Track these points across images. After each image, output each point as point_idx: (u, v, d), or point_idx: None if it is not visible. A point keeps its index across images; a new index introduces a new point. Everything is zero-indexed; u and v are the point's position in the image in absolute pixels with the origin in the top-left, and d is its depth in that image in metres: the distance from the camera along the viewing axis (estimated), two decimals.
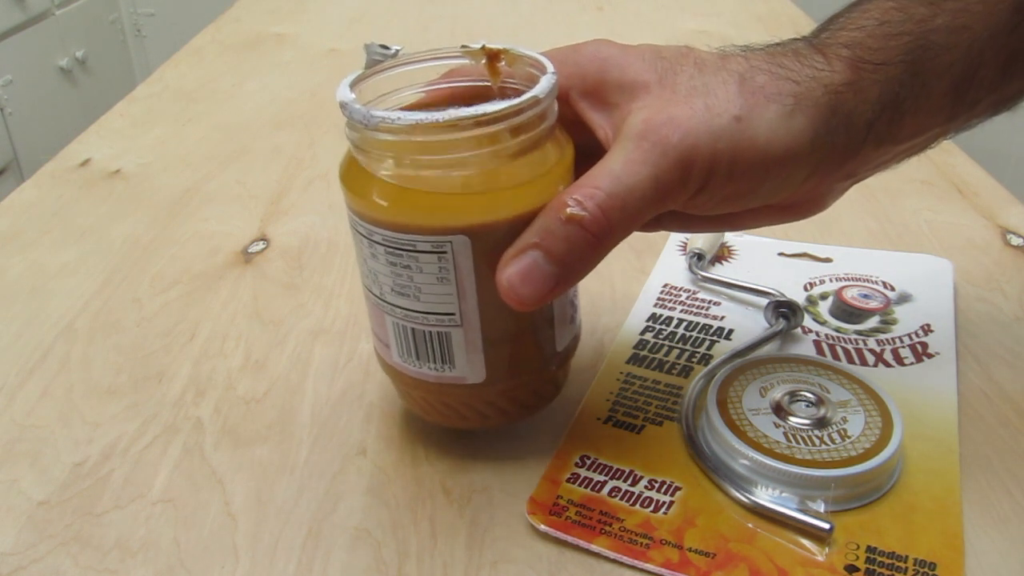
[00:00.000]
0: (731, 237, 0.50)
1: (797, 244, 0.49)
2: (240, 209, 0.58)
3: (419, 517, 0.33)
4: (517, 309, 0.30)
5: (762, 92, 0.31)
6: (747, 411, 0.35)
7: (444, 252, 0.30)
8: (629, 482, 0.34)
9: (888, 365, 0.39)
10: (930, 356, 0.40)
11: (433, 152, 0.30)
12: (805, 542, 0.31)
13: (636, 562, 0.30)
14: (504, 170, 0.31)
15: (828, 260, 0.48)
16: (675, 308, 0.44)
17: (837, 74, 0.31)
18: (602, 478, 0.34)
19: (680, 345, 0.41)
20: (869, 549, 0.30)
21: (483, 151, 0.30)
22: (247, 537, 0.33)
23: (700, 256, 0.47)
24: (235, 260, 0.52)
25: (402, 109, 0.33)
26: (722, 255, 0.48)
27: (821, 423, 0.34)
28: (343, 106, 0.31)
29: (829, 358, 0.40)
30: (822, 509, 0.31)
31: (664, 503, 0.33)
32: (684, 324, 0.43)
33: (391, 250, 0.31)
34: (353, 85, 0.32)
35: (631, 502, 0.33)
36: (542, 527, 0.32)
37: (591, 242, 0.30)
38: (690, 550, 0.31)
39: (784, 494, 0.32)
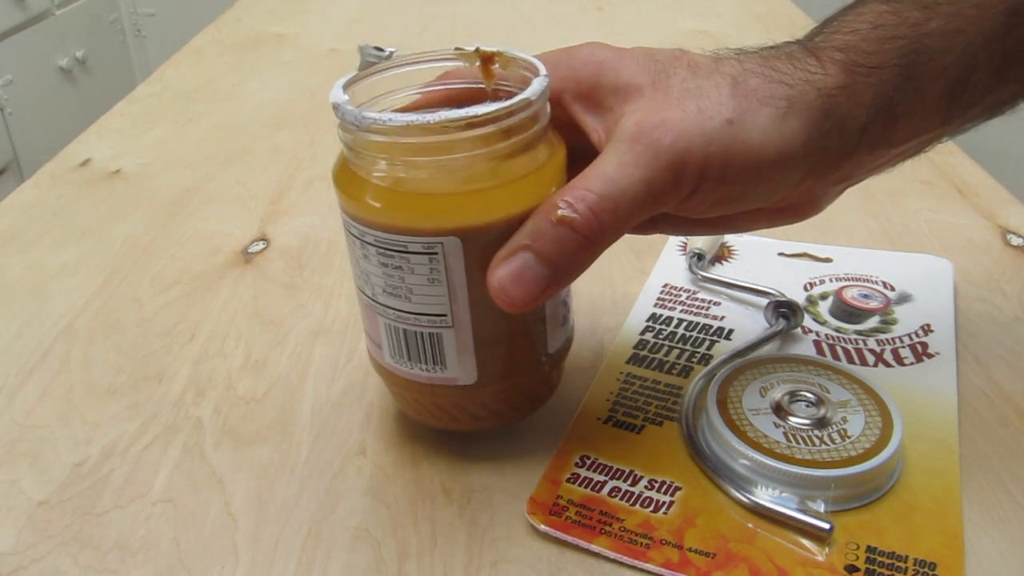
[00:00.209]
0: (731, 237, 0.50)
1: (797, 244, 0.49)
2: (240, 209, 0.58)
3: (419, 517, 0.33)
4: (508, 311, 0.30)
5: (755, 95, 0.30)
6: (747, 411, 0.35)
7: (435, 253, 0.30)
8: (629, 482, 0.34)
9: (888, 365, 0.39)
10: (930, 356, 0.40)
11: (425, 154, 0.30)
12: (805, 542, 0.31)
13: (636, 562, 0.30)
14: (496, 172, 0.31)
15: (828, 260, 0.48)
16: (675, 308, 0.44)
17: (831, 77, 0.31)
18: (602, 478, 0.34)
19: (680, 345, 0.41)
20: (869, 549, 0.30)
21: (475, 153, 0.30)
22: (247, 537, 0.33)
23: (700, 256, 0.47)
24: (235, 260, 0.52)
25: (395, 111, 0.33)
26: (722, 255, 0.48)
27: (821, 423, 0.34)
28: (336, 107, 0.31)
29: (829, 358, 0.40)
30: (822, 509, 0.31)
31: (664, 503, 0.33)
32: (684, 324, 0.43)
33: (383, 251, 0.31)
34: (347, 87, 0.32)
35: (631, 502, 0.33)
36: (542, 527, 0.32)
37: (582, 244, 0.30)
38: (690, 550, 0.31)
39: (784, 494, 0.32)
